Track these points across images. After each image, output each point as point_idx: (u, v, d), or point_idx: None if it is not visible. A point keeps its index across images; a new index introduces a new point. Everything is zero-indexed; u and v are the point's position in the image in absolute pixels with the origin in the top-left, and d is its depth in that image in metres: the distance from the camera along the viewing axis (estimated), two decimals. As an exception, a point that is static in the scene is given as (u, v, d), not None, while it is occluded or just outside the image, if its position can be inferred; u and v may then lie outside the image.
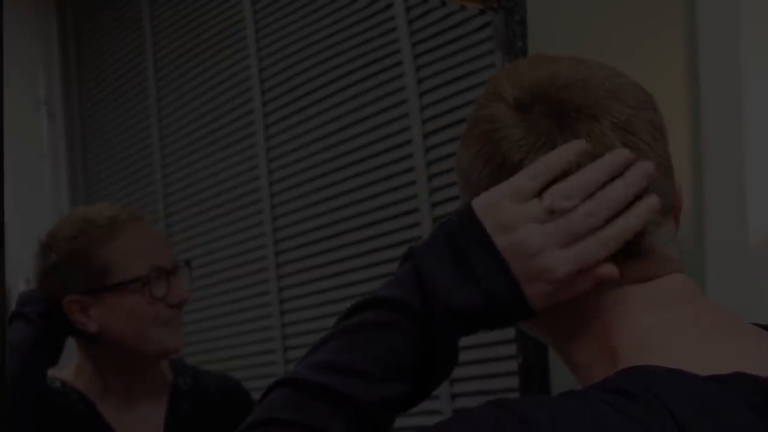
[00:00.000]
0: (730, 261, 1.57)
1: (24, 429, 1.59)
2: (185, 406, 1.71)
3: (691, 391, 0.75)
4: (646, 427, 0.73)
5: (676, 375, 0.77)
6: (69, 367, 1.71)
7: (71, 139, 3.38)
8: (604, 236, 0.80)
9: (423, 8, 2.28)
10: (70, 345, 1.69)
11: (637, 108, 0.84)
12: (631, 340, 0.82)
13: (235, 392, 1.79)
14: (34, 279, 1.68)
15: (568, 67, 0.85)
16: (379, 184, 2.40)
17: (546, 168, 0.81)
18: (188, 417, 1.71)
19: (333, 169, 2.53)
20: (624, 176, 0.81)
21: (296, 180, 2.65)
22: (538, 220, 0.80)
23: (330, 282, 2.54)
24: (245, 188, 2.82)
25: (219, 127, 2.92)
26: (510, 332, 1.87)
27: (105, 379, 1.68)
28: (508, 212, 0.80)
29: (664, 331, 0.82)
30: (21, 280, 1.71)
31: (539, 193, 0.81)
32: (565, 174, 0.81)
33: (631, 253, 0.82)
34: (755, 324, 0.86)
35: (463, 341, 0.82)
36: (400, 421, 0.84)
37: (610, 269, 0.81)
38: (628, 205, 0.81)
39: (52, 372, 1.66)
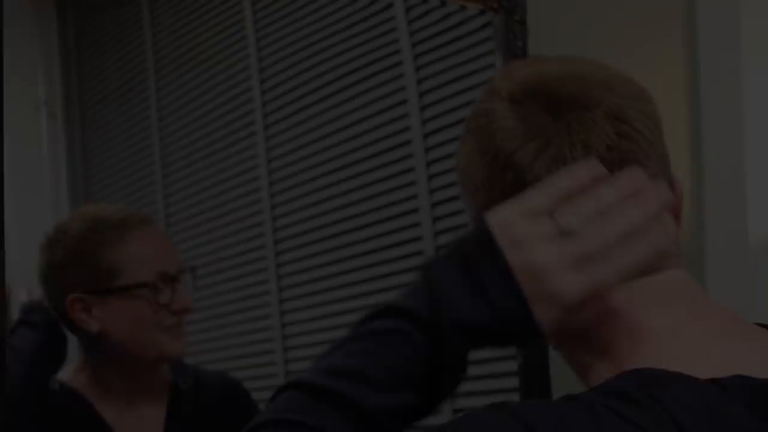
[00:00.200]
0: (730, 261, 1.57)
1: (23, 430, 1.59)
2: (185, 406, 1.71)
3: (692, 396, 0.75)
4: (648, 433, 0.73)
5: (677, 379, 0.76)
6: (68, 368, 1.71)
7: (71, 139, 3.38)
8: (618, 262, 0.78)
9: (423, 8, 2.28)
10: (70, 346, 1.69)
11: (630, 98, 0.84)
12: (632, 339, 0.82)
13: (235, 392, 1.79)
14: (38, 273, 1.67)
15: (561, 63, 0.86)
16: (379, 184, 2.40)
17: (559, 186, 0.79)
18: (188, 417, 1.71)
19: (333, 169, 2.53)
20: (639, 200, 0.79)
21: (296, 180, 2.65)
22: (550, 239, 0.78)
23: (330, 282, 2.54)
24: (245, 188, 2.82)
25: (219, 127, 2.92)
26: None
27: (104, 379, 1.68)
28: (520, 229, 0.79)
29: (666, 330, 0.82)
30: (22, 290, 1.70)
31: (552, 211, 0.79)
32: (578, 192, 0.79)
33: None
34: (756, 324, 0.86)
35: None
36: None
37: (620, 299, 0.80)
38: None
39: (51, 373, 1.66)
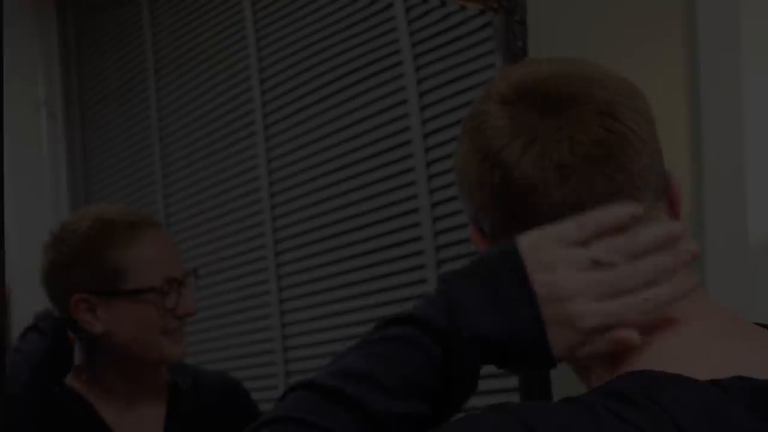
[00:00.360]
0: (730, 261, 1.57)
1: (23, 431, 1.59)
2: (185, 406, 1.71)
3: (692, 397, 0.75)
4: (647, 435, 0.73)
5: (677, 380, 0.77)
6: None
7: (71, 139, 3.38)
8: (643, 300, 0.81)
9: (423, 8, 2.28)
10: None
11: (620, 95, 0.85)
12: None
13: (235, 392, 1.79)
14: (40, 272, 1.66)
15: (554, 65, 0.87)
16: (379, 184, 2.40)
17: (596, 221, 0.81)
18: (188, 417, 1.71)
19: (333, 169, 2.53)
20: (672, 249, 0.82)
21: (296, 180, 2.65)
22: (580, 267, 0.81)
23: (330, 282, 2.54)
24: (245, 188, 2.82)
25: (219, 127, 2.92)
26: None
27: (104, 380, 1.67)
28: (551, 252, 0.81)
29: (666, 330, 0.82)
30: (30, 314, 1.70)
31: (585, 241, 0.81)
32: (613, 229, 0.81)
33: None
34: (756, 324, 0.86)
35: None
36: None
37: (635, 338, 0.81)
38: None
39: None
